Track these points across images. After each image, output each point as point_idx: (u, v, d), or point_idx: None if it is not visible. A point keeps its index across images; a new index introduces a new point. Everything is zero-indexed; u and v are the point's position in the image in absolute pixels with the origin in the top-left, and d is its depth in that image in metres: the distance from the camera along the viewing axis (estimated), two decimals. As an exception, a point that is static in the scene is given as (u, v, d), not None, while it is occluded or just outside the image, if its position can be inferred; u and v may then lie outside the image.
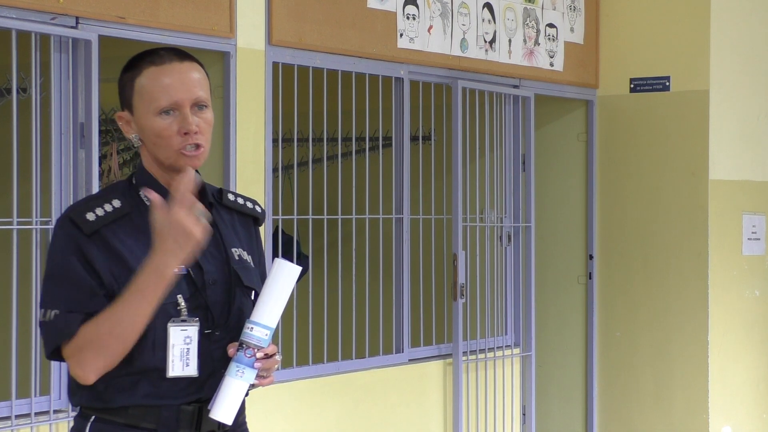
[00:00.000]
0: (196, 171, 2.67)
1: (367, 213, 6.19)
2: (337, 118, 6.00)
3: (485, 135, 6.76)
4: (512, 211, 6.97)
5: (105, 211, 2.57)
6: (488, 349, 6.76)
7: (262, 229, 3.65)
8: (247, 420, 2.77)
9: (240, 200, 2.79)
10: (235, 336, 2.63)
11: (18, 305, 4.56)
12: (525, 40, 7.03)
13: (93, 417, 2.59)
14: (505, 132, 6.91)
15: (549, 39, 7.21)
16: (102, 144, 6.17)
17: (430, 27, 6.38)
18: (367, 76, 6.07)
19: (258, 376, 2.58)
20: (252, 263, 2.73)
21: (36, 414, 4.60)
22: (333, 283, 6.10)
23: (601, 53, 7.56)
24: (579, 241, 7.64)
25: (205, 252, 2.61)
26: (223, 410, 2.56)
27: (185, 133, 2.57)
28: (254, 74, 5.45)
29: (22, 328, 4.59)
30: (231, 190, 2.79)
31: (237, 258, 2.69)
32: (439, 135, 6.80)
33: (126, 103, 2.64)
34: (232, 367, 2.56)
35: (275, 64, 5.58)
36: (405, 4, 6.21)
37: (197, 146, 2.59)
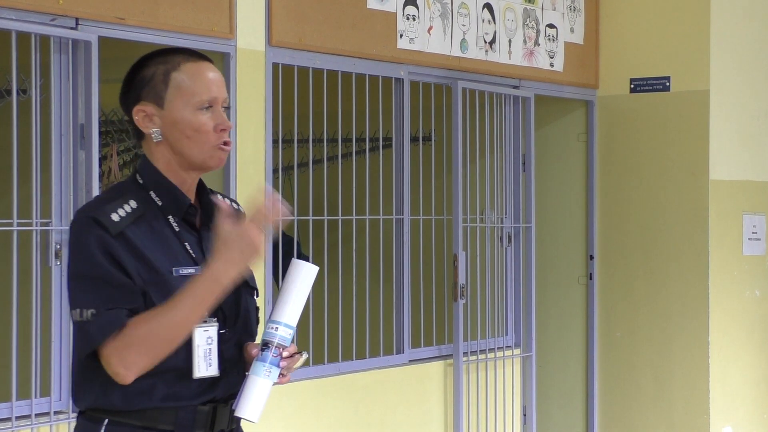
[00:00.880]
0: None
1: (367, 214, 6.19)
2: (337, 119, 5.99)
3: (485, 135, 6.76)
4: (512, 212, 6.96)
5: (126, 212, 2.56)
6: (489, 349, 6.75)
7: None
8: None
9: (227, 200, 2.79)
10: (241, 336, 2.64)
11: (18, 306, 4.56)
12: (525, 41, 7.02)
13: (106, 420, 2.55)
14: (505, 132, 6.90)
15: (549, 39, 7.21)
16: (102, 145, 6.16)
17: (430, 27, 6.37)
18: (367, 76, 6.07)
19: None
20: None
21: (36, 415, 4.59)
22: (333, 284, 6.10)
23: (601, 53, 7.56)
24: (579, 242, 7.64)
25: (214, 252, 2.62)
26: (250, 409, 2.55)
27: (222, 130, 2.60)
28: (254, 75, 5.45)
29: (22, 330, 4.58)
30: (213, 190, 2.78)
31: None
32: (439, 135, 6.80)
33: (153, 96, 2.60)
34: (259, 366, 2.55)
35: (275, 65, 5.58)
36: (405, 5, 6.21)
37: (226, 143, 2.62)
